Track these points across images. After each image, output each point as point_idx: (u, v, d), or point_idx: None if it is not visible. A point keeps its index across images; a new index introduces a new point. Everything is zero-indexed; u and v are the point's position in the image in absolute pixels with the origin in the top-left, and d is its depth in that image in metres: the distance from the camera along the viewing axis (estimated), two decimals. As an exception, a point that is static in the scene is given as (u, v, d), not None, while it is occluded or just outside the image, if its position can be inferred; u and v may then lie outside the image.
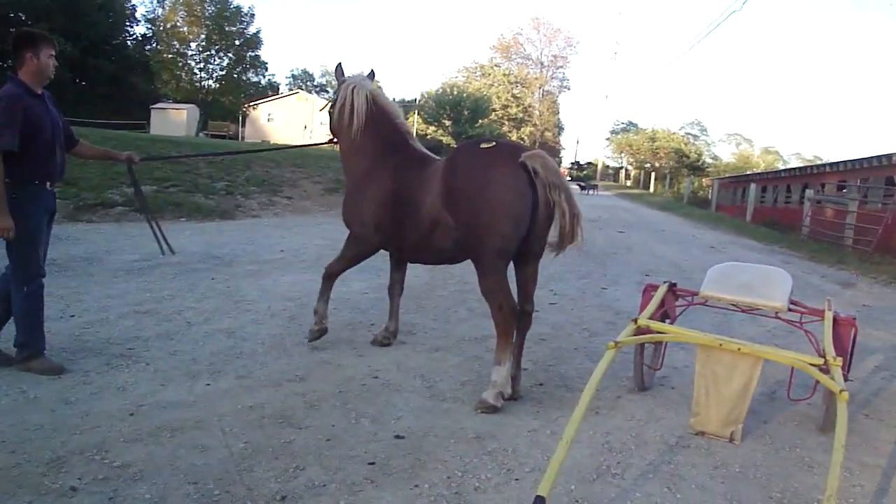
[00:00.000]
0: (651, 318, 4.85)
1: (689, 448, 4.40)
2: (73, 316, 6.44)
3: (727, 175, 55.05)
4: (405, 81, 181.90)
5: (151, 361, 5.31)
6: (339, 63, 5.99)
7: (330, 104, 6.11)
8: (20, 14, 58.12)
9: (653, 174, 54.40)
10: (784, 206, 33.45)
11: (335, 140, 6.11)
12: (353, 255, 5.80)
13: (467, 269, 10.30)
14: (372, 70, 6.05)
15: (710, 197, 45.94)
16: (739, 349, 4.35)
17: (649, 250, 14.85)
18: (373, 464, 3.82)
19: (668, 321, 5.23)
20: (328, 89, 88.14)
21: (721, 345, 4.39)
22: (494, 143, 4.91)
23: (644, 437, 4.52)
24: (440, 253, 5.26)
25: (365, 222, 5.56)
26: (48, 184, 4.88)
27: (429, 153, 5.70)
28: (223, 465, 3.70)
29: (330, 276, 5.91)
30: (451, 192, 4.82)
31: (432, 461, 3.91)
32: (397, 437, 4.21)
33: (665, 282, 5.45)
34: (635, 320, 4.68)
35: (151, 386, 4.80)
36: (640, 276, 11.02)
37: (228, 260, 9.96)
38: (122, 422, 4.16)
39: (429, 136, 65.94)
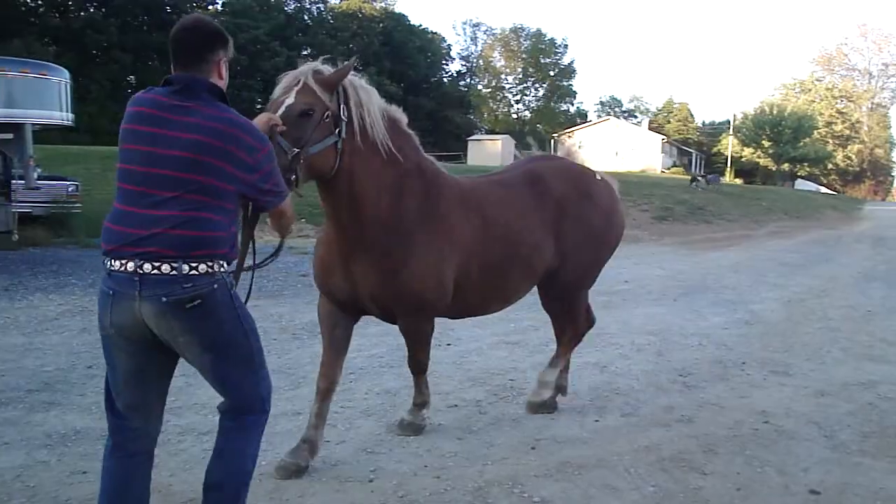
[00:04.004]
0: None
1: None
2: (449, 345, 6.88)
3: None
4: (716, 103, 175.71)
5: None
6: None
7: (329, 117, 3.56)
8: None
9: None
10: None
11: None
12: (427, 337, 4.51)
13: (826, 302, 9.60)
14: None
15: None
16: None
17: None
18: (797, 521, 3.62)
19: None
20: (636, 114, 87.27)
21: None
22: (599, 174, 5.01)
23: None
24: (516, 297, 4.81)
25: (443, 283, 4.09)
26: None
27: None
28: (638, 508, 3.69)
29: (424, 370, 4.61)
30: (582, 226, 4.61)
31: (862, 523, 3.62)
32: (812, 492, 3.94)
33: None
34: None
35: (543, 420, 4.95)
36: None
37: (574, 290, 10.06)
38: (527, 455, 4.33)
39: (744, 159, 62.96)
